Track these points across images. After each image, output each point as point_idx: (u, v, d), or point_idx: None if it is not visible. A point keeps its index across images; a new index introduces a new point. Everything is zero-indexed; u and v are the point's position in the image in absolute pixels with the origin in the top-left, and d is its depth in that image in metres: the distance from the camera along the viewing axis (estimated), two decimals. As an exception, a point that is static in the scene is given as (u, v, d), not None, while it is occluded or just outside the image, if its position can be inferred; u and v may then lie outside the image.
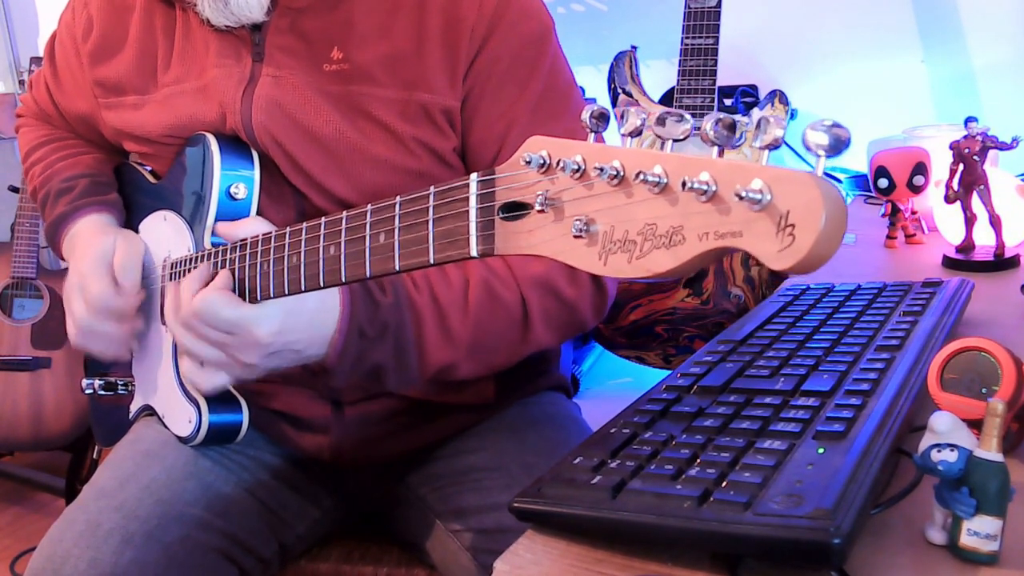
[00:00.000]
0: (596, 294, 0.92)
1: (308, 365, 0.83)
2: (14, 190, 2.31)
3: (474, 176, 0.56)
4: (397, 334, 0.84)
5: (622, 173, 0.47)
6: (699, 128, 0.46)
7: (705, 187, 0.44)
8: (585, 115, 0.52)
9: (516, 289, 0.88)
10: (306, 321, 0.80)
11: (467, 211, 0.56)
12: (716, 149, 0.46)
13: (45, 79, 1.12)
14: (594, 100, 1.98)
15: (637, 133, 0.50)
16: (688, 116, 0.47)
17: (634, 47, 1.90)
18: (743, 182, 0.42)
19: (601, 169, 0.48)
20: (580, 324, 0.93)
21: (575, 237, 0.49)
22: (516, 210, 0.53)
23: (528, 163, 0.52)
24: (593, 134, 0.52)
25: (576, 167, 0.49)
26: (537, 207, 0.51)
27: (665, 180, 0.45)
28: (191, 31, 0.94)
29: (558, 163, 0.50)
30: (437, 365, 0.86)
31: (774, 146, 0.44)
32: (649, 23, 2.05)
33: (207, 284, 0.80)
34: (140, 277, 0.95)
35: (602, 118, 0.52)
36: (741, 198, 0.42)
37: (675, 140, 0.48)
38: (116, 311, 0.93)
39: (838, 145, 0.42)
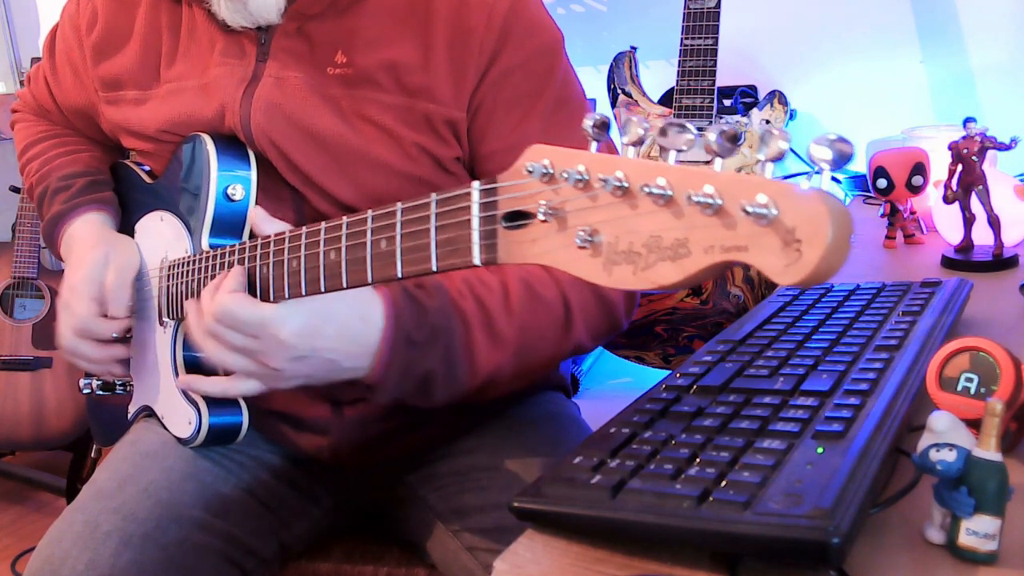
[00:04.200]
0: (627, 294, 0.91)
1: (353, 381, 0.80)
2: (15, 190, 2.32)
3: (476, 184, 0.56)
4: (447, 339, 0.81)
5: (626, 185, 0.47)
6: (702, 132, 0.46)
7: (710, 200, 0.43)
8: (587, 124, 0.52)
9: (556, 287, 0.86)
10: (336, 329, 0.76)
11: (469, 219, 0.56)
12: (719, 160, 0.46)
13: (44, 73, 1.11)
14: (594, 101, 1.98)
15: (639, 143, 0.50)
16: (690, 126, 0.47)
17: (634, 48, 1.90)
18: (748, 197, 0.42)
19: (605, 180, 0.47)
20: (615, 324, 0.92)
21: (579, 248, 0.49)
22: (520, 219, 0.53)
23: (530, 172, 0.51)
24: (596, 143, 0.52)
25: (579, 177, 0.49)
26: (540, 217, 0.51)
27: (670, 193, 0.45)
28: (196, 28, 0.94)
29: (561, 173, 0.50)
30: (486, 370, 0.83)
31: (778, 159, 0.44)
32: (649, 23, 2.05)
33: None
34: (130, 301, 0.96)
35: (603, 127, 0.52)
36: (747, 213, 0.42)
37: (678, 151, 0.47)
38: (96, 335, 0.94)
39: (842, 160, 0.42)
